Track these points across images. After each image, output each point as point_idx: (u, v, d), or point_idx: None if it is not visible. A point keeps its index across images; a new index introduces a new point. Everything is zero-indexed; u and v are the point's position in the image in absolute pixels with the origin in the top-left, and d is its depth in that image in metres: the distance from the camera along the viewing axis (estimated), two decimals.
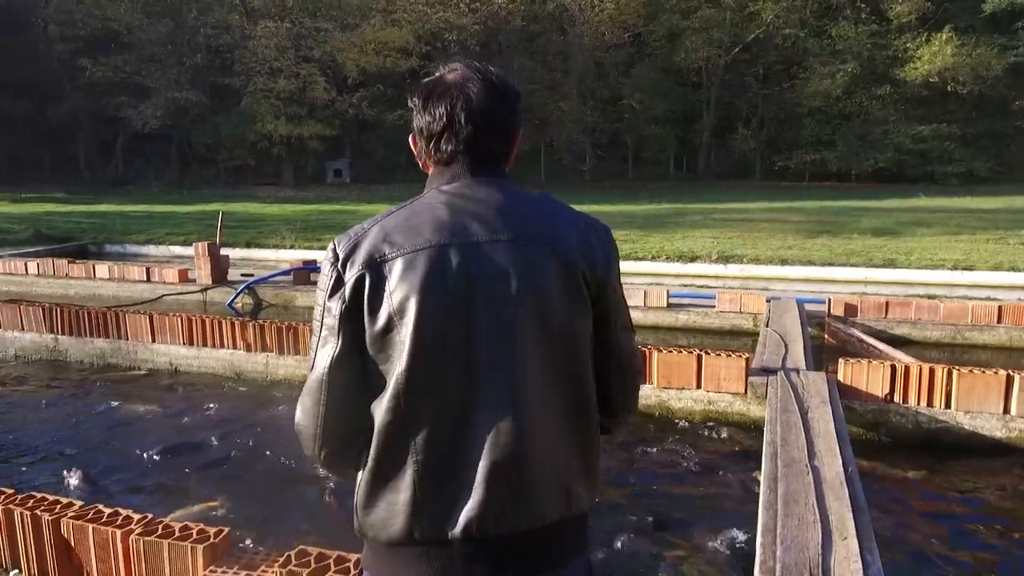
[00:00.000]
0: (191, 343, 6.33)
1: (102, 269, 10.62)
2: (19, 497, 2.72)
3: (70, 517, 2.55)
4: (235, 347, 6.19)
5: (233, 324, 6.21)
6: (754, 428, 4.78)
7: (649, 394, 5.16)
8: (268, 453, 4.40)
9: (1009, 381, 4.47)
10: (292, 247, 13.98)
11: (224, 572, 2.31)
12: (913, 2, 28.46)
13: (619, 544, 3.41)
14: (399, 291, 1.12)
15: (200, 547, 2.34)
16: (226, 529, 2.47)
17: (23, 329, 7.00)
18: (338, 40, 28.91)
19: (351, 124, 32.48)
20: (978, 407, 4.50)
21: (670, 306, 8.07)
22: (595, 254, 1.21)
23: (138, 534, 2.42)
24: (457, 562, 1.13)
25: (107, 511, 2.61)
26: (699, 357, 5.03)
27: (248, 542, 2.72)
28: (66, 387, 6.05)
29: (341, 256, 1.16)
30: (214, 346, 6.27)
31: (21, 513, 2.58)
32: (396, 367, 1.11)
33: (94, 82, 31.69)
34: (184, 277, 9.93)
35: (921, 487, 4.17)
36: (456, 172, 1.24)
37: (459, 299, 1.12)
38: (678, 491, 4.02)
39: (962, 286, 9.96)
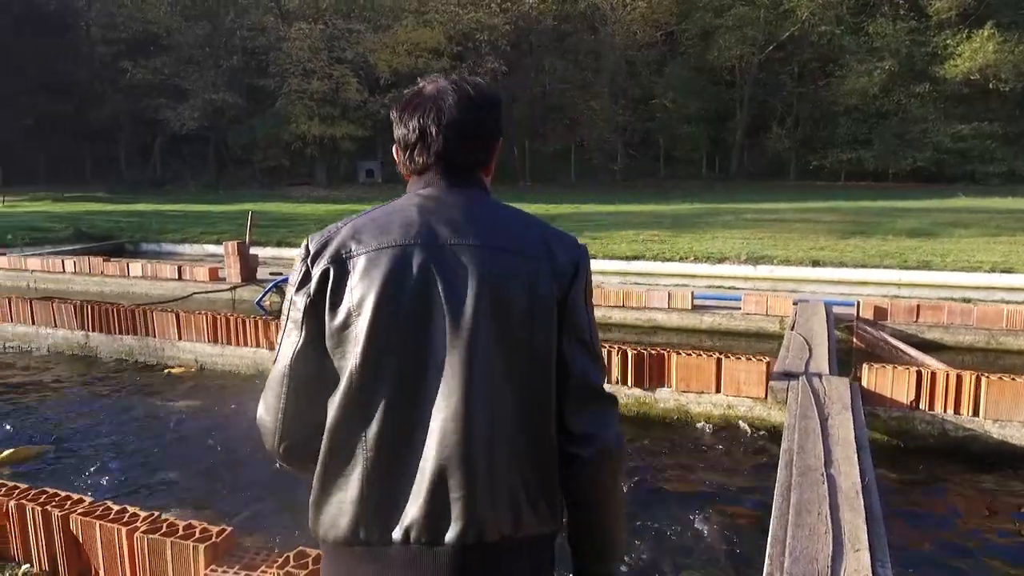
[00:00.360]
0: (216, 341, 6.42)
1: (135, 267, 10.85)
2: (32, 492, 2.78)
3: (79, 513, 2.60)
4: (258, 345, 6.26)
5: (256, 323, 6.29)
6: (774, 433, 4.68)
7: (668, 397, 5.10)
8: None
9: None
10: None
11: (224, 572, 2.33)
12: None
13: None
14: (360, 287, 1.13)
15: (202, 546, 2.37)
16: (228, 529, 2.49)
17: (55, 325, 7.18)
18: (370, 41, 29.15)
19: (383, 124, 32.63)
20: (1007, 415, 4.35)
21: (695, 308, 7.97)
22: (563, 268, 1.20)
23: (142, 532, 2.45)
24: (398, 567, 1.11)
25: (115, 508, 2.65)
26: (718, 360, 4.95)
27: (248, 542, 2.74)
28: (91, 383, 6.18)
29: (312, 251, 1.18)
30: (238, 344, 6.35)
31: (32, 508, 2.63)
32: (350, 363, 1.12)
33: (134, 84, 32.40)
34: (214, 276, 10.09)
35: (946, 497, 4.05)
36: (430, 180, 1.26)
37: (418, 300, 1.12)
38: (690, 498, 3.96)
39: (1000, 289, 9.67)
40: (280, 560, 2.33)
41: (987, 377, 4.40)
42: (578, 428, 1.20)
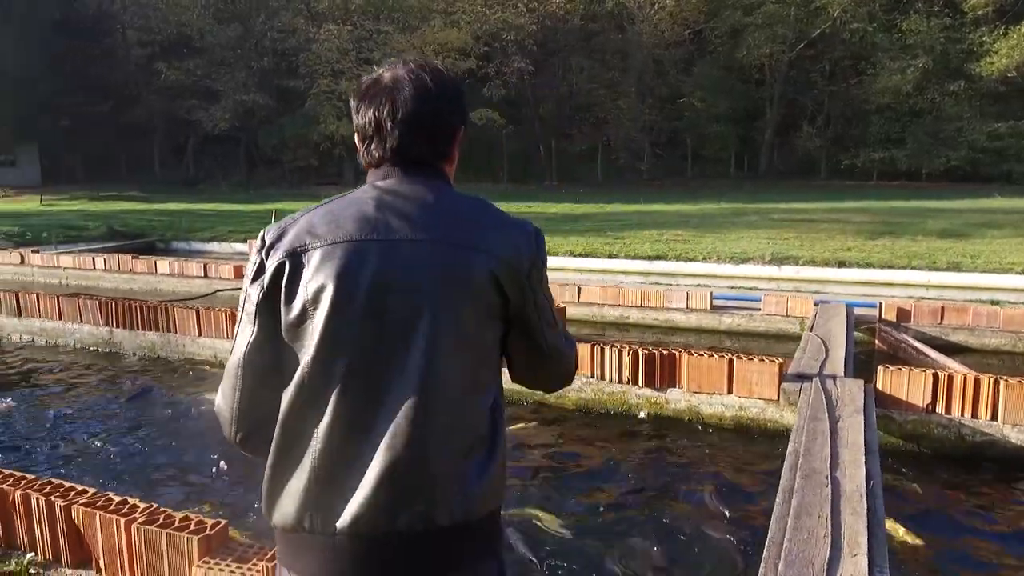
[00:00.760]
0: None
1: (163, 265, 11.05)
2: (38, 483, 2.84)
3: (81, 504, 2.65)
4: None
5: None
6: (786, 436, 4.60)
7: (679, 398, 5.06)
8: None
9: None
10: None
11: (216, 563, 2.36)
12: None
13: (616, 551, 3.34)
14: (314, 281, 1.13)
15: (195, 538, 2.40)
16: (223, 522, 2.52)
17: (81, 321, 7.34)
18: (397, 42, 29.32)
19: None
20: None
21: (714, 308, 7.90)
22: (519, 259, 1.20)
23: (140, 523, 2.49)
24: (345, 556, 1.12)
25: (116, 499, 2.70)
26: (730, 361, 4.89)
27: (245, 536, 2.78)
28: (113, 377, 6.31)
29: (267, 243, 1.19)
30: None
31: (37, 498, 2.69)
32: (304, 356, 1.13)
33: (168, 85, 33.00)
34: (239, 273, 10.24)
35: (961, 503, 3.96)
36: (388, 171, 1.25)
37: (372, 295, 1.13)
38: (696, 500, 3.92)
39: None
40: (271, 553, 2.35)
41: (1006, 380, 4.30)
42: (554, 388, 1.43)
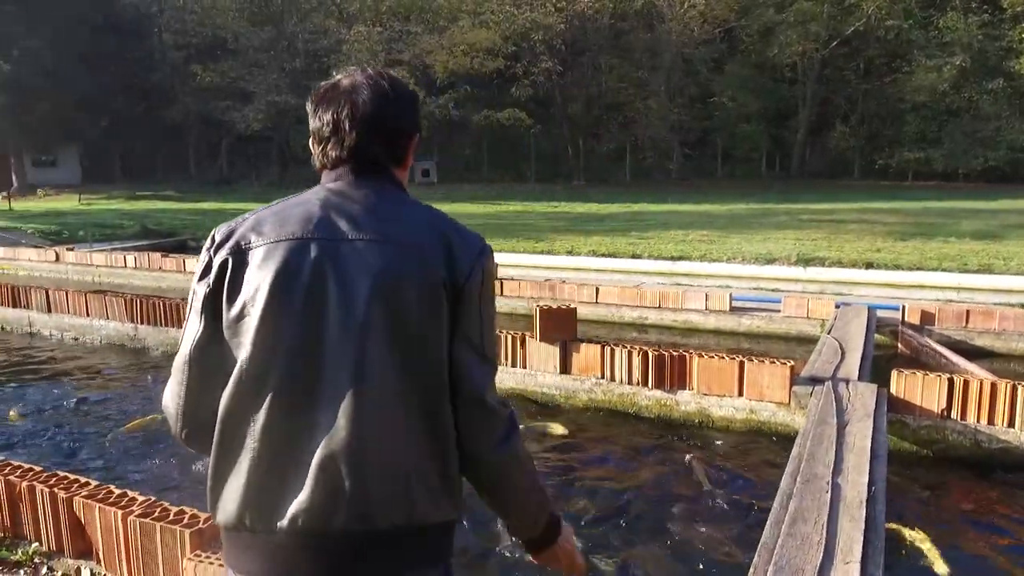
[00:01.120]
0: None
1: (192, 263, 11.26)
2: (44, 474, 2.93)
3: (83, 496, 2.72)
4: None
5: None
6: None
7: (689, 400, 5.02)
8: None
9: None
10: None
11: (207, 557, 2.40)
12: None
13: (608, 552, 3.33)
14: (255, 279, 1.14)
15: (188, 532, 2.45)
16: None
17: (107, 317, 7.52)
18: (426, 42, 29.49)
19: (439, 125, 33.07)
20: None
21: (733, 310, 7.81)
22: (460, 265, 1.19)
23: (136, 516, 2.55)
24: (284, 554, 1.12)
25: (116, 492, 2.76)
26: (741, 364, 4.84)
27: None
28: (136, 372, 6.45)
29: (216, 241, 1.20)
30: None
31: (41, 489, 2.77)
32: (243, 353, 1.13)
33: (203, 87, 33.60)
34: None
35: (976, 511, 3.87)
36: (340, 174, 1.26)
37: (311, 293, 1.13)
38: (699, 504, 3.89)
39: None
40: None
41: None
42: (464, 436, 1.21)
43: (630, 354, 5.16)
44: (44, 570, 2.74)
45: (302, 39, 33.45)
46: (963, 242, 12.30)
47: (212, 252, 1.19)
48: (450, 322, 1.19)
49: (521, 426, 4.60)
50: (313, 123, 1.29)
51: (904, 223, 15.01)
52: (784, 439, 4.63)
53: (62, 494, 2.73)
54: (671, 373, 5.06)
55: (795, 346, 7.18)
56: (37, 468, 3.00)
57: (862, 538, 2.70)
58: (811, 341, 7.13)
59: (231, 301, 1.15)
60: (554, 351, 5.39)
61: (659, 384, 5.09)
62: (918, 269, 10.42)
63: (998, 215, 16.22)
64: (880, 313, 7.19)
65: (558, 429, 4.94)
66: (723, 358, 4.94)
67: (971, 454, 4.28)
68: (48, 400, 5.62)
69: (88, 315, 7.65)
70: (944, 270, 10.28)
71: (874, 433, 3.80)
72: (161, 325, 7.17)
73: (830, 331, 6.19)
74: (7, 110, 29.50)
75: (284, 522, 1.11)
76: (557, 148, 33.36)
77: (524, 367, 5.55)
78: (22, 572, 2.73)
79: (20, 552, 2.82)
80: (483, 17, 29.87)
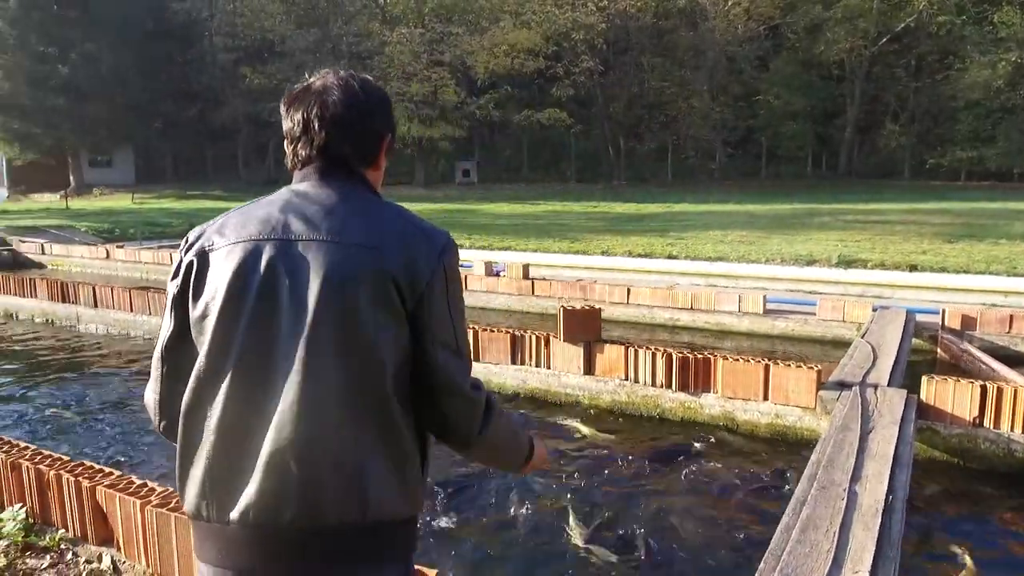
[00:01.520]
0: None
1: None
2: (71, 464, 3.05)
3: (105, 485, 2.82)
4: None
5: None
6: None
7: (713, 404, 4.96)
8: None
9: None
10: None
11: None
12: None
13: (616, 553, 3.32)
14: (215, 280, 1.18)
15: None
16: None
17: (151, 313, 7.76)
18: (467, 43, 29.64)
19: (479, 125, 33.23)
20: None
21: (767, 312, 7.69)
22: (418, 265, 1.20)
23: (153, 506, 2.64)
24: (237, 546, 1.15)
25: (137, 482, 2.86)
26: (766, 367, 4.77)
27: None
28: None
29: (187, 243, 1.26)
30: None
31: (67, 478, 2.89)
32: (201, 349, 1.18)
33: (251, 89, 34.34)
34: None
35: (1009, 522, 3.75)
36: (307, 174, 1.29)
37: (263, 293, 1.16)
38: (718, 509, 3.85)
39: None
40: None
41: None
42: (448, 426, 1.27)
43: (654, 356, 5.13)
44: (69, 556, 2.85)
45: (346, 41, 33.95)
46: (1014, 244, 11.87)
47: (183, 253, 1.25)
48: (418, 322, 1.21)
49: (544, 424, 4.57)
50: (285, 124, 1.32)
51: (953, 224, 14.56)
52: (809, 444, 4.55)
53: (86, 483, 2.84)
54: (695, 376, 5.01)
55: (830, 350, 7.03)
56: (65, 457, 3.12)
57: (874, 548, 2.65)
58: (847, 345, 6.97)
59: (195, 300, 1.20)
60: (578, 352, 5.38)
61: (683, 387, 5.05)
62: (964, 272, 10.09)
63: None
64: (920, 317, 7.01)
65: (584, 429, 4.94)
66: (748, 361, 4.87)
67: (1004, 463, 4.15)
68: (89, 393, 5.83)
69: (132, 311, 7.91)
70: (992, 273, 9.94)
71: (899, 440, 3.71)
72: None
73: (864, 335, 6.05)
74: (65, 112, 30.61)
75: (236, 514, 1.14)
76: (598, 148, 33.20)
77: (548, 367, 5.55)
78: (48, 557, 2.84)
79: (48, 538, 2.94)
80: (524, 17, 29.91)
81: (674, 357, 5.06)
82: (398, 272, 1.19)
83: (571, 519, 3.63)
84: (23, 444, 3.31)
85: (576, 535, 3.48)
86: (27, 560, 2.81)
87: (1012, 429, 4.14)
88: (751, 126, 31.15)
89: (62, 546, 2.90)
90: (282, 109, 1.33)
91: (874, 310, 7.04)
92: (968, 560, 3.26)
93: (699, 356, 5.02)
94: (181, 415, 1.19)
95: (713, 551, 3.39)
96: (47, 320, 8.75)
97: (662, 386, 5.11)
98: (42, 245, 15.31)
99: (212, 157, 40.26)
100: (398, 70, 30.36)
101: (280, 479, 1.13)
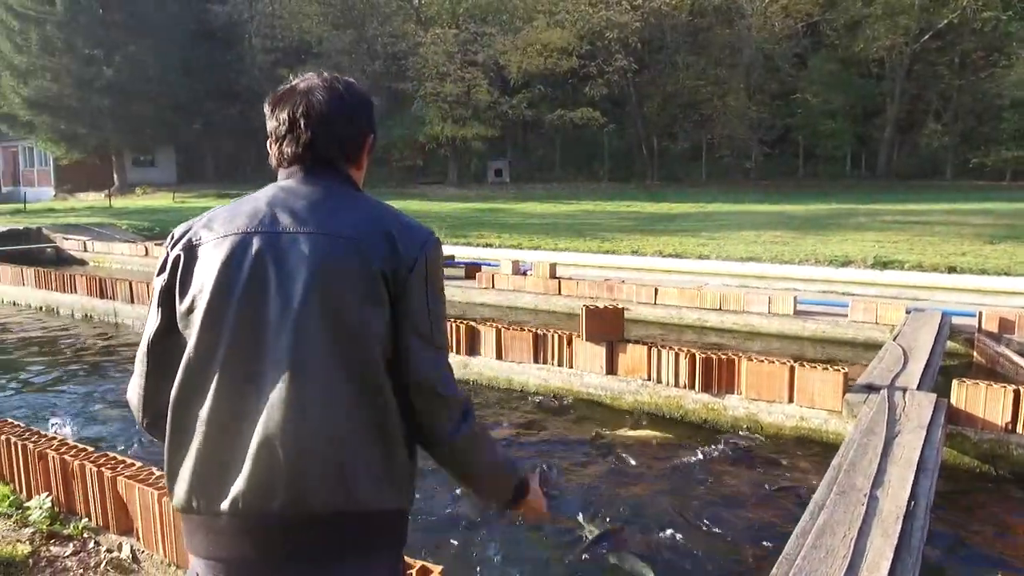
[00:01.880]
0: None
1: None
2: (95, 455, 3.12)
3: (126, 476, 2.89)
4: None
5: None
6: None
7: (737, 405, 4.90)
8: None
9: None
10: (442, 243, 14.58)
11: None
12: None
13: (628, 556, 3.30)
14: (202, 273, 1.21)
15: None
16: None
17: None
18: (500, 43, 29.67)
19: (512, 124, 33.23)
20: None
21: (797, 313, 7.57)
22: (400, 258, 1.23)
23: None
24: (227, 537, 1.17)
25: (157, 473, 2.92)
26: (791, 369, 4.69)
27: None
28: None
29: (174, 238, 1.28)
30: None
31: (91, 469, 2.96)
32: (190, 342, 1.20)
33: None
34: None
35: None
36: (293, 172, 1.32)
37: (251, 285, 1.18)
38: (730, 512, 3.80)
39: None
40: None
41: None
42: (421, 423, 1.27)
43: (677, 356, 5.08)
44: (91, 544, 2.93)
45: (381, 42, 34.23)
46: None
47: (169, 248, 1.27)
48: (397, 313, 1.22)
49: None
50: (270, 123, 1.35)
51: (995, 225, 14.14)
52: (835, 448, 4.46)
53: (108, 473, 2.91)
54: (719, 377, 4.95)
55: (862, 352, 6.89)
56: (89, 448, 3.21)
57: (891, 555, 2.59)
58: (879, 348, 6.83)
59: (183, 295, 1.22)
60: (600, 351, 5.36)
61: (706, 388, 4.99)
62: (1005, 274, 9.80)
63: None
64: (956, 320, 6.83)
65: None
66: (773, 362, 4.80)
67: None
68: (119, 385, 5.96)
69: None
70: None
71: (925, 445, 3.62)
72: None
73: (896, 337, 5.92)
74: (110, 113, 31.37)
75: (225, 505, 1.16)
76: (631, 147, 32.96)
77: (570, 367, 5.54)
78: (71, 545, 2.92)
79: (72, 526, 3.02)
80: (558, 16, 29.79)
81: (697, 358, 5.00)
82: (381, 263, 1.21)
83: (582, 518, 3.62)
84: (50, 435, 3.40)
85: (588, 534, 3.47)
86: (51, 548, 2.89)
87: None
88: (788, 125, 30.58)
89: (85, 535, 2.97)
90: (267, 109, 1.36)
91: (908, 312, 6.88)
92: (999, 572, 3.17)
93: (723, 357, 4.96)
94: (170, 408, 1.21)
95: (728, 555, 3.35)
96: (86, 315, 8.98)
97: (685, 387, 5.07)
98: (84, 242, 15.73)
99: (251, 157, 40.91)
100: (432, 70, 30.51)
101: (269, 469, 1.14)
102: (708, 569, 3.24)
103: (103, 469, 2.94)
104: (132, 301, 8.48)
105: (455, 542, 3.44)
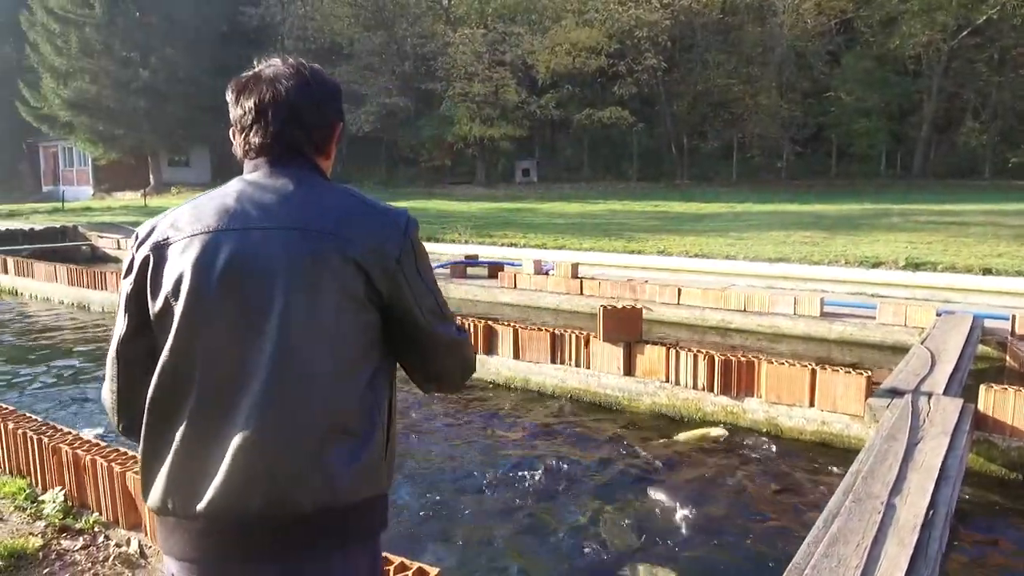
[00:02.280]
0: None
1: None
2: (107, 449, 3.16)
3: (135, 471, 2.92)
4: None
5: None
6: None
7: (757, 408, 4.81)
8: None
9: None
10: (466, 242, 14.61)
11: None
12: None
13: (637, 562, 3.24)
14: (173, 273, 1.18)
15: None
16: None
17: None
18: (528, 43, 29.62)
19: (540, 124, 33.17)
20: None
21: (824, 315, 7.42)
22: (384, 248, 1.21)
23: None
24: (204, 538, 1.15)
25: None
26: (812, 372, 4.59)
27: None
28: None
29: (139, 239, 1.25)
30: None
31: (101, 463, 2.99)
32: (167, 344, 1.17)
33: None
34: None
35: None
36: (259, 164, 1.29)
37: (226, 282, 1.16)
38: (744, 519, 3.72)
39: None
40: None
41: None
42: (452, 374, 1.39)
43: (695, 358, 5.00)
44: (101, 539, 2.96)
45: (411, 43, 34.42)
46: None
47: (135, 249, 1.24)
48: (401, 301, 1.24)
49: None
50: (234, 112, 1.31)
51: None
52: (856, 454, 4.35)
53: (118, 468, 2.94)
54: (739, 379, 4.86)
55: (891, 355, 6.73)
56: (102, 443, 3.25)
57: (907, 565, 2.51)
58: (908, 351, 6.67)
59: (154, 296, 1.20)
60: (618, 352, 5.30)
61: (726, 390, 4.91)
62: None
63: None
64: (989, 323, 6.64)
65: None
66: (794, 365, 4.71)
67: None
68: None
69: None
70: None
71: (948, 452, 3.51)
72: None
73: (924, 340, 5.76)
74: (146, 114, 31.99)
75: (203, 506, 1.13)
76: (660, 146, 32.69)
77: (588, 367, 5.48)
78: (82, 539, 2.96)
79: (84, 520, 3.06)
80: (587, 16, 29.66)
81: (716, 359, 4.92)
82: (362, 256, 1.19)
83: (590, 520, 3.57)
84: (65, 429, 3.45)
85: (597, 536, 3.42)
86: (62, 541, 2.93)
87: None
88: (821, 124, 30.05)
89: (95, 529, 3.01)
90: (230, 97, 1.32)
91: (938, 314, 6.70)
92: None
93: (742, 359, 4.87)
94: (146, 411, 1.19)
95: (741, 563, 3.28)
96: (115, 311, 9.14)
97: (704, 389, 4.99)
98: (118, 240, 16.04)
99: None
100: (460, 70, 30.58)
101: (247, 470, 1.13)
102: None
103: (113, 464, 2.98)
104: None
105: (454, 544, 3.42)
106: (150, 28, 31.86)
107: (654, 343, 5.30)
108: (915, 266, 10.57)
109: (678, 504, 3.82)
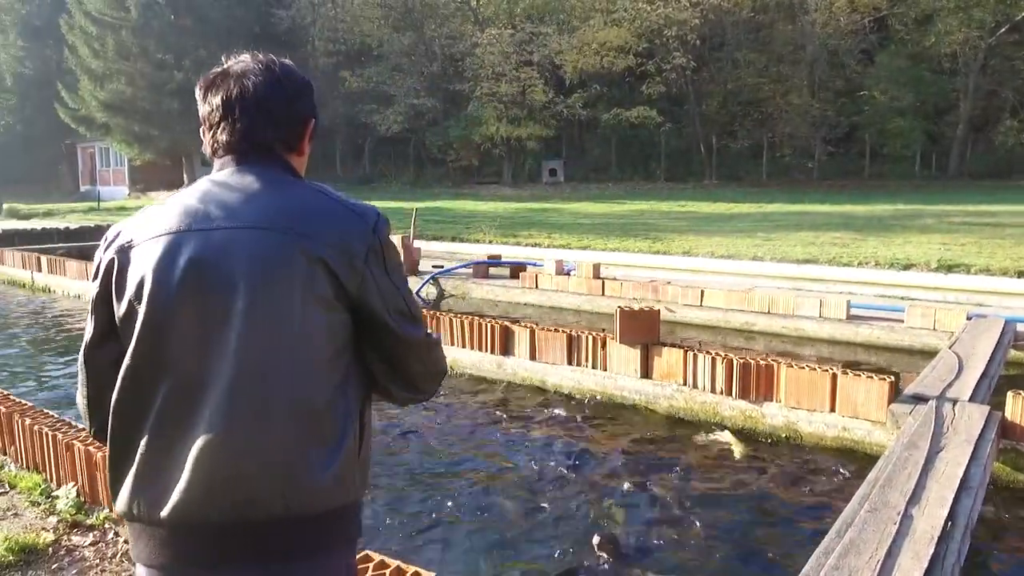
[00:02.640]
0: None
1: None
2: None
3: None
4: None
5: None
6: None
7: (776, 413, 4.72)
8: (409, 445, 4.69)
9: None
10: (491, 242, 14.62)
11: None
12: None
13: (643, 568, 3.19)
14: (136, 276, 1.16)
15: None
16: None
17: None
18: (556, 43, 29.56)
19: (567, 124, 33.07)
20: None
21: (850, 318, 7.27)
22: (351, 247, 1.19)
23: None
24: (168, 545, 1.14)
25: None
26: (833, 376, 4.49)
27: None
28: None
29: (108, 241, 1.24)
30: None
31: None
32: (130, 347, 1.16)
33: (350, 91, 35.54)
34: None
35: None
36: (226, 162, 1.26)
37: (187, 284, 1.14)
38: (758, 528, 3.65)
39: None
40: None
41: None
42: (421, 377, 1.33)
43: (714, 361, 4.93)
44: (110, 535, 2.99)
45: (439, 43, 34.56)
46: None
47: (102, 252, 1.23)
48: (369, 300, 1.20)
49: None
50: (203, 109, 1.29)
51: None
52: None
53: None
54: (757, 383, 4.78)
55: (919, 360, 6.56)
56: None
57: None
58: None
59: (119, 299, 1.18)
60: (635, 354, 5.24)
61: (744, 394, 4.82)
62: None
63: None
64: (1021, 327, 6.44)
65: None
66: (814, 369, 4.61)
67: None
68: None
69: None
70: None
71: (971, 461, 3.41)
72: None
73: (952, 345, 5.61)
74: (180, 115, 32.53)
75: (166, 513, 1.12)
76: (689, 146, 32.37)
77: (604, 369, 5.43)
78: (91, 535, 2.99)
79: (95, 517, 3.09)
80: (615, 15, 29.49)
81: (735, 363, 4.84)
82: (330, 255, 1.16)
83: (599, 523, 3.53)
84: (80, 425, 3.50)
85: (602, 543, 3.37)
86: (72, 537, 2.97)
87: None
88: (854, 123, 29.50)
89: (106, 525, 3.04)
90: (198, 94, 1.29)
91: (969, 318, 6.52)
92: None
93: (761, 362, 4.78)
94: (111, 415, 1.18)
95: (752, 573, 3.21)
96: None
97: (722, 393, 4.91)
98: None
99: (313, 157, 41.68)
100: (488, 71, 30.61)
101: (211, 476, 1.11)
102: None
103: None
104: None
105: (451, 546, 3.40)
106: (184, 30, 32.42)
107: (672, 345, 5.23)
108: (948, 268, 10.31)
109: (690, 509, 3.75)
